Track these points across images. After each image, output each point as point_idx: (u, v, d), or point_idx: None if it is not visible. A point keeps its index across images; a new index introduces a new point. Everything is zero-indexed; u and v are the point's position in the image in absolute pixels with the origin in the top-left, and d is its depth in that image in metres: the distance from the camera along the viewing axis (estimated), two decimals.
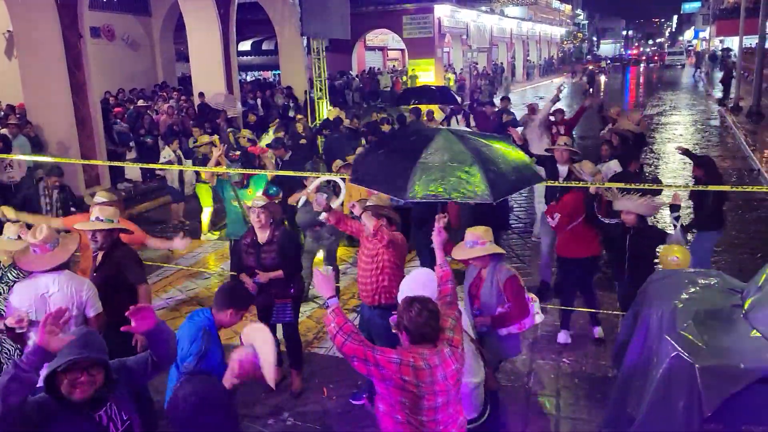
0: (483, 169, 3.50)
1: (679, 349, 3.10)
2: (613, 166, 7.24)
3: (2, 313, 3.86)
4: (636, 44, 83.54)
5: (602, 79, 43.46)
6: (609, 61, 59.08)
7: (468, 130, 4.19)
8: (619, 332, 4.55)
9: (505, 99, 14.33)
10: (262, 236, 4.89)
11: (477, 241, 4.10)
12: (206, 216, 9.29)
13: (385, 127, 11.16)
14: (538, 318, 4.25)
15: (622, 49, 77.11)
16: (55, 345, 2.26)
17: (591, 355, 5.57)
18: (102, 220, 4.18)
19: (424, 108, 12.64)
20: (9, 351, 4.02)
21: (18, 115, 11.65)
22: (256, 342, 3.13)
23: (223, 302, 3.38)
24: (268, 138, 10.20)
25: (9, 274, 4.04)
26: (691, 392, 2.98)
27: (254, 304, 5.29)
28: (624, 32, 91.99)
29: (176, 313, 6.63)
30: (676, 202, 5.21)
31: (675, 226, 5.07)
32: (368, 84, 26.94)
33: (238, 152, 9.22)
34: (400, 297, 3.23)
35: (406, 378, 2.69)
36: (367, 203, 4.68)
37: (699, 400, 2.94)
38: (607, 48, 77.94)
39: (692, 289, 3.49)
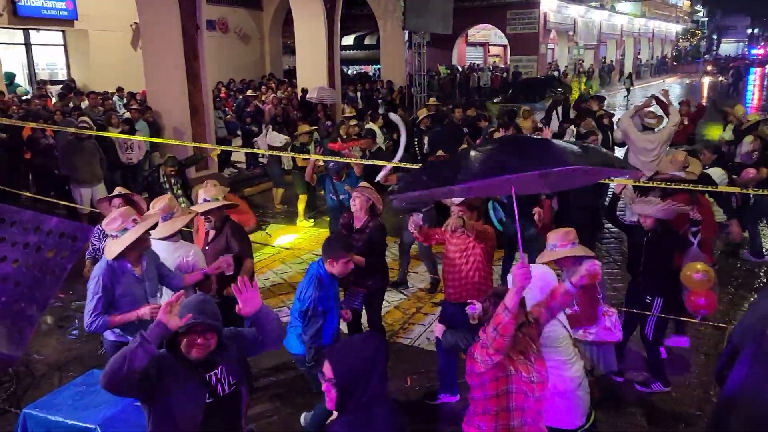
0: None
1: None
2: (715, 174, 6.63)
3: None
4: (762, 43, 77.09)
5: (720, 80, 40.61)
6: (731, 62, 54.91)
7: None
8: (724, 348, 4.27)
9: (599, 99, 12.86)
10: (357, 222, 5.01)
11: (556, 243, 3.92)
12: (302, 204, 9.63)
13: (482, 123, 11.05)
14: (608, 334, 4.03)
15: (746, 49, 71.37)
16: (173, 324, 2.49)
17: (692, 368, 5.27)
18: (208, 200, 4.52)
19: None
20: None
21: (139, 102, 12.63)
22: None
23: (323, 254, 3.95)
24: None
25: None
26: None
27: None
28: (749, 30, 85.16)
29: (269, 293, 6.93)
30: (696, 216, 4.92)
31: (693, 242, 4.87)
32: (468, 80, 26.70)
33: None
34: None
35: (500, 375, 2.73)
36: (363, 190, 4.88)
37: None
38: (729, 47, 72.53)
39: None
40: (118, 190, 5.28)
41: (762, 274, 7.46)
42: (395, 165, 6.52)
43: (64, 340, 5.97)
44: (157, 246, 4.04)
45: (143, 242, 3.72)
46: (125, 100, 14.07)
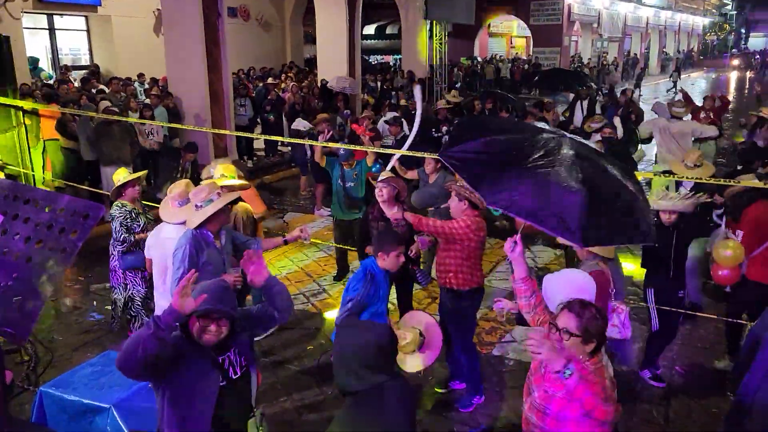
0: (588, 201, 2.64)
1: None
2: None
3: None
4: None
5: (748, 75, 39.81)
6: (758, 56, 53.71)
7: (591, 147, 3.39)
8: (742, 348, 4.20)
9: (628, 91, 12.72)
10: (389, 211, 4.78)
11: None
12: (320, 192, 9.63)
13: (503, 115, 10.96)
14: (615, 332, 3.94)
15: None
16: (188, 308, 2.48)
17: (708, 367, 5.19)
18: (225, 176, 4.73)
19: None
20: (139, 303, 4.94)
21: (161, 87, 12.72)
22: (428, 331, 3.57)
23: (374, 249, 4.01)
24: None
25: (148, 216, 5.00)
26: None
27: None
28: None
29: (286, 281, 6.95)
30: (718, 200, 5.40)
31: (720, 224, 5.25)
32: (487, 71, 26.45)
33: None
34: (552, 298, 3.13)
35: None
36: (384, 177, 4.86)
37: None
38: (758, 42, 70.88)
39: None
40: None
41: None
42: (407, 153, 6.44)
43: (82, 321, 6.06)
44: (170, 228, 4.10)
45: (224, 215, 3.93)
46: (146, 86, 14.17)
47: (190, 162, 7.90)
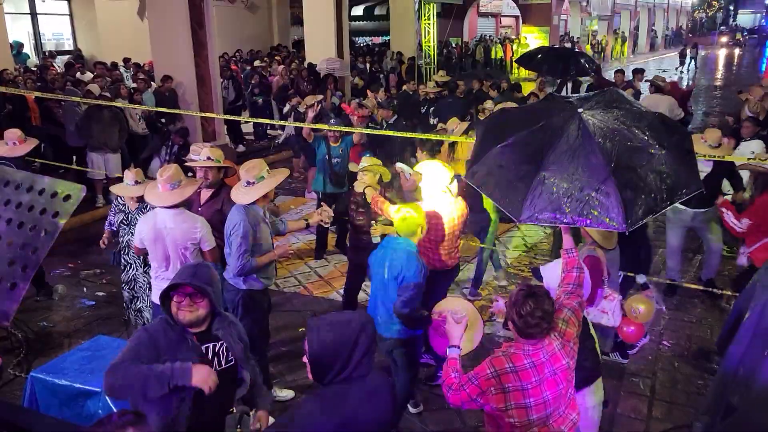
0: (619, 184, 2.57)
1: None
2: (756, 147, 6.40)
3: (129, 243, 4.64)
4: None
5: (736, 52, 39.84)
6: (745, 34, 53.71)
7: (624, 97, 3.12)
8: (727, 318, 4.26)
9: (639, 72, 11.92)
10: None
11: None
12: (312, 174, 9.60)
13: (493, 93, 10.92)
14: (605, 319, 3.93)
15: (763, 20, 69.63)
16: (208, 381, 2.50)
17: (694, 339, 5.28)
18: (212, 159, 4.65)
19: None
20: (143, 284, 4.76)
21: (146, 72, 12.58)
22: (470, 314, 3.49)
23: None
24: None
25: (137, 215, 4.66)
26: None
27: (349, 261, 5.50)
28: (767, 0, 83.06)
29: (278, 264, 6.95)
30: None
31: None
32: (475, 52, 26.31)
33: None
34: (547, 284, 3.17)
35: (511, 387, 2.57)
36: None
37: None
38: (746, 18, 70.80)
39: None
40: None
41: None
42: (398, 135, 6.45)
43: (73, 307, 6.05)
44: (165, 216, 4.04)
45: (272, 192, 4.22)
46: (132, 71, 14.01)
47: (179, 146, 7.87)
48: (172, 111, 8.46)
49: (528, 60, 13.24)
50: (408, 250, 3.76)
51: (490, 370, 2.60)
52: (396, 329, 3.83)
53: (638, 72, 11.78)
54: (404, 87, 11.95)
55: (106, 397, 3.54)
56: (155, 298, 4.21)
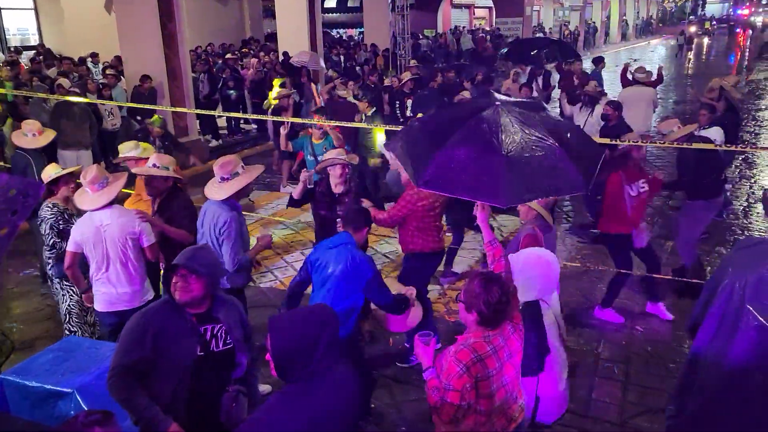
0: (507, 165, 2.81)
1: (762, 320, 2.93)
2: (714, 134, 6.61)
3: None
4: (748, 3, 76.66)
5: (705, 41, 40.49)
6: (714, 23, 54.62)
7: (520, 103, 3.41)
8: (697, 301, 4.34)
9: (599, 61, 12.44)
10: (339, 188, 4.96)
11: None
12: (286, 169, 9.53)
13: (467, 85, 10.96)
14: None
15: (731, 9, 70.83)
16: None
17: (666, 323, 5.37)
18: (158, 167, 4.38)
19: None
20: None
21: (115, 68, 12.32)
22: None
23: (343, 225, 3.96)
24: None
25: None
26: None
27: None
28: None
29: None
30: None
31: None
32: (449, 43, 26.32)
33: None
34: (515, 277, 3.22)
35: (480, 376, 2.59)
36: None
37: None
38: (715, 7, 71.98)
39: None
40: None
41: (736, 229, 7.55)
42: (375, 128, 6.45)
43: (42, 308, 5.93)
44: (101, 214, 3.95)
45: (248, 188, 4.15)
46: (101, 66, 13.73)
47: (160, 136, 7.56)
48: (140, 106, 8.30)
49: (518, 53, 13.60)
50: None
51: (459, 366, 2.56)
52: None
53: (599, 61, 12.35)
54: (386, 81, 11.88)
55: (78, 398, 3.48)
56: (97, 304, 4.14)
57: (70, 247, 4.04)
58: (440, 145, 2.89)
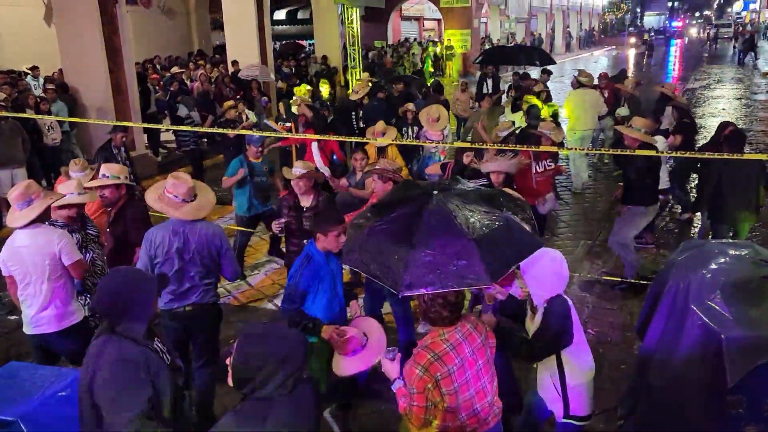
0: (478, 246, 2.78)
1: (706, 319, 3.04)
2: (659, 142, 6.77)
3: None
4: (682, 16, 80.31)
5: (644, 51, 42.04)
6: (652, 34, 56.94)
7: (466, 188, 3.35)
8: (644, 303, 4.47)
9: (546, 72, 12.87)
10: (305, 201, 4.91)
11: None
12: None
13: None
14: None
15: (667, 21, 74.08)
16: None
17: (617, 326, 5.51)
18: (108, 177, 4.38)
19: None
20: None
21: (55, 81, 11.92)
22: (372, 334, 3.62)
23: (312, 229, 3.94)
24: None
25: (89, 231, 4.34)
26: (715, 362, 2.92)
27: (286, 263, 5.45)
28: (669, 3, 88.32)
29: None
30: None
31: None
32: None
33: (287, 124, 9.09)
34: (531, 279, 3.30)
35: (440, 374, 2.64)
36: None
37: (723, 370, 2.88)
38: (652, 20, 75.11)
39: (721, 260, 3.38)
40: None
41: (679, 230, 7.84)
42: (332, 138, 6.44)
43: None
44: (22, 235, 3.85)
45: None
46: (41, 80, 13.26)
47: (123, 143, 7.26)
48: (82, 120, 8.04)
49: (492, 57, 14.75)
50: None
51: (418, 369, 2.64)
52: None
53: (545, 72, 12.84)
54: (346, 92, 11.95)
55: (22, 426, 3.32)
56: (24, 327, 4.02)
57: (4, 270, 3.93)
58: (407, 247, 2.80)
